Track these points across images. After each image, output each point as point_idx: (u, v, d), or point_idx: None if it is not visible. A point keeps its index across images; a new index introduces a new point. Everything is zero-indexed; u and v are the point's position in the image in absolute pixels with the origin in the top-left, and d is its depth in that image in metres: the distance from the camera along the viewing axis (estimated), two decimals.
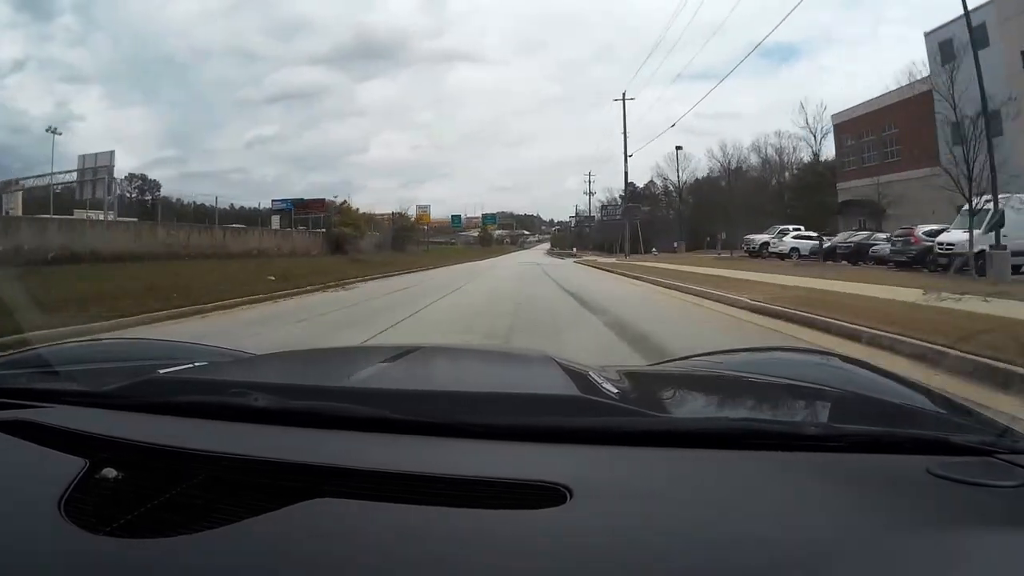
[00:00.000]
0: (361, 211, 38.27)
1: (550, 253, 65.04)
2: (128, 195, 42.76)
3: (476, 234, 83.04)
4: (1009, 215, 13.24)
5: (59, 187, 26.38)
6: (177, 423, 0.78)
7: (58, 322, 5.87)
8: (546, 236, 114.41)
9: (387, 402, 0.77)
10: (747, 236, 29.76)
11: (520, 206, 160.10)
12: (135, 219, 25.93)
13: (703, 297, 10.11)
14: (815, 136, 41.25)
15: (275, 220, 35.49)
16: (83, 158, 25.14)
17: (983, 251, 12.83)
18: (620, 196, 64.08)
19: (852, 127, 35.26)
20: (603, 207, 61.57)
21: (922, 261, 16.36)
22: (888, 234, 20.92)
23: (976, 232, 12.85)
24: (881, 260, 18.97)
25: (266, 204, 38.52)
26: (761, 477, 0.62)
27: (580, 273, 20.91)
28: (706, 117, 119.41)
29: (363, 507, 0.57)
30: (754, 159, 48.09)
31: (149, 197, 44.60)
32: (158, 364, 1.07)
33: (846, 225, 30.28)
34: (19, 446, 0.72)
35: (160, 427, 0.76)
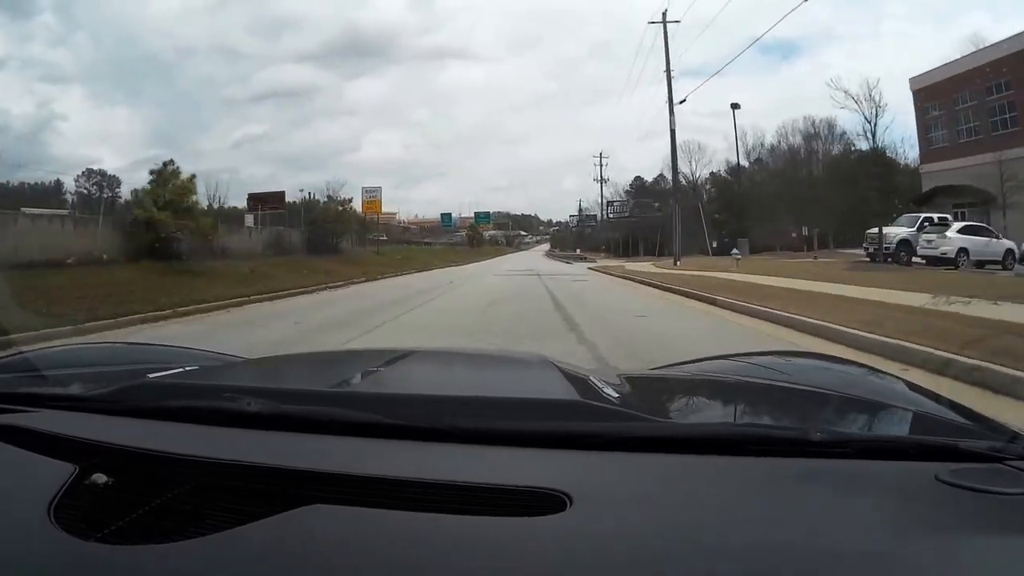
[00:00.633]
0: (270, 191, 26.83)
1: (551, 255, 56.58)
2: (86, 191, 38.08)
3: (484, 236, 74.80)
4: None
5: None
6: (168, 428, 0.76)
7: None
8: (544, 236, 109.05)
9: (382, 406, 0.76)
10: (870, 231, 18.89)
11: (517, 206, 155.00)
12: None
13: None
14: (871, 113, 33.44)
15: (249, 219, 29.49)
16: None
17: None
18: (626, 191, 55.79)
19: (942, 91, 26.78)
20: (609, 203, 53.09)
21: None
22: None
23: None
24: None
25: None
26: (765, 483, 0.61)
27: (633, 303, 9.74)
28: (705, 115, 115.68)
29: (358, 514, 0.56)
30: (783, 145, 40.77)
31: (108, 194, 39.23)
32: (148, 368, 1.04)
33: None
34: (7, 451, 0.71)
35: (151, 432, 0.75)
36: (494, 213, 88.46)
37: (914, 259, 17.51)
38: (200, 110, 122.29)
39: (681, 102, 25.89)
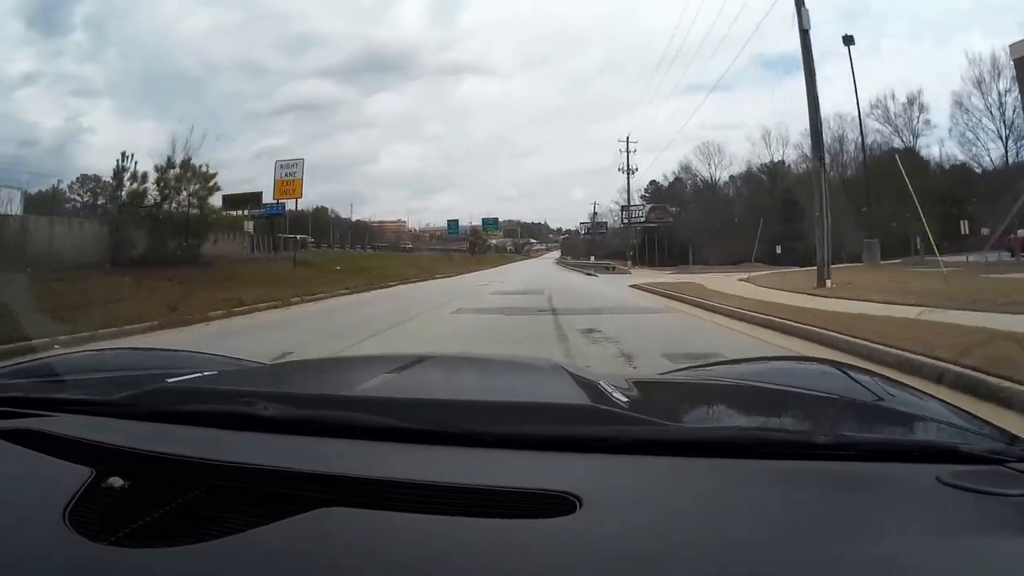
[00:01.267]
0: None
1: (562, 263, 51.68)
2: (79, 197, 34.51)
3: (490, 243, 69.52)
4: None
5: None
6: (184, 432, 0.77)
7: None
8: (554, 244, 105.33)
9: (396, 411, 0.76)
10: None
11: (527, 216, 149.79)
12: None
13: None
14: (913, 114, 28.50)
15: (248, 226, 27.02)
16: None
17: None
18: (642, 196, 50.64)
19: None
20: (624, 208, 48.10)
21: None
22: None
23: None
24: None
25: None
26: (772, 486, 0.62)
27: None
28: (709, 127, 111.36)
29: (371, 516, 0.57)
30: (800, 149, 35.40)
31: (103, 201, 35.47)
32: (165, 373, 1.04)
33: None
34: (26, 455, 0.72)
35: (167, 435, 0.76)
36: (504, 221, 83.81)
37: None
38: (223, 123, 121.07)
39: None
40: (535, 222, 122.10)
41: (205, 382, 1.01)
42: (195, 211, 19.10)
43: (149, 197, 18.64)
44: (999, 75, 30.07)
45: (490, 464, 0.67)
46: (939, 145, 36.93)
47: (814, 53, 13.39)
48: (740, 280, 16.66)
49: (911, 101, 34.95)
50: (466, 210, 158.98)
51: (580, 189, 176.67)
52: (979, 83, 31.29)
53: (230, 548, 0.52)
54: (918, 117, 34.99)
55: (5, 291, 8.52)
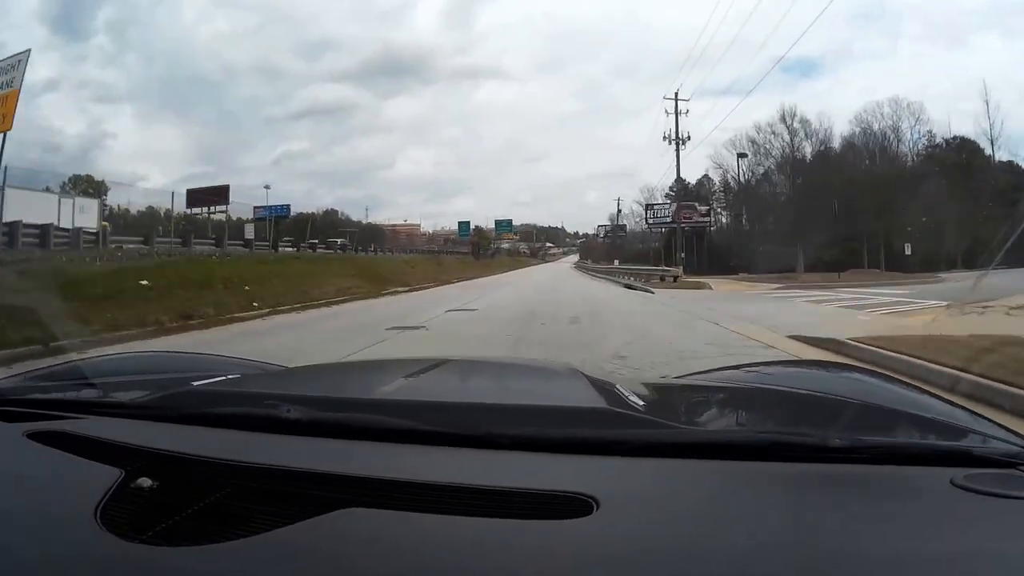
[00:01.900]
0: None
1: (581, 268, 48.80)
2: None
3: (500, 246, 66.41)
4: None
5: None
6: (211, 434, 0.79)
7: None
8: (571, 248, 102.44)
9: (417, 413, 0.78)
10: None
11: (542, 220, 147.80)
12: None
13: None
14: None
15: (248, 229, 27.43)
16: None
17: None
18: (666, 196, 47.88)
19: None
20: (647, 207, 45.63)
21: None
22: None
23: None
24: None
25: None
26: (787, 488, 0.63)
27: None
28: (730, 130, 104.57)
29: (392, 517, 0.58)
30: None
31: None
32: (191, 376, 1.06)
33: None
34: (57, 456, 0.73)
35: (194, 437, 0.77)
36: (520, 224, 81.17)
37: None
38: (242, 128, 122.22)
39: None
40: (552, 226, 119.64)
41: (231, 385, 1.03)
42: None
43: None
44: None
45: (509, 466, 0.68)
46: None
47: None
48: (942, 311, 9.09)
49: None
50: (481, 214, 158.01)
51: (594, 193, 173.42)
52: None
53: (256, 547, 0.54)
54: None
55: None
